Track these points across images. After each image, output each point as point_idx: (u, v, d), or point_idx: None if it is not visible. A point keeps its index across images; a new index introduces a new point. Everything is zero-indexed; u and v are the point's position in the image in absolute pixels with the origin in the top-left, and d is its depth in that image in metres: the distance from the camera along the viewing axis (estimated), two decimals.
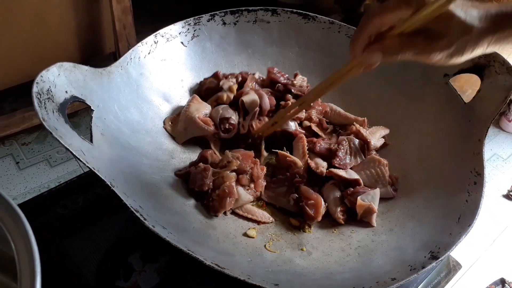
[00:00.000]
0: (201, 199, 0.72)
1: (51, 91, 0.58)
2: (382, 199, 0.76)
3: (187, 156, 0.79)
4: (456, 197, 0.68)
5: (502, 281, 1.54)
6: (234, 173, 0.72)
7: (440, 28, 0.51)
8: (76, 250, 0.70)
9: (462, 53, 0.51)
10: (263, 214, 0.73)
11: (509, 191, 1.84)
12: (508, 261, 1.59)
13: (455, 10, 0.50)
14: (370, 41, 0.56)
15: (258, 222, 0.72)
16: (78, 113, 1.77)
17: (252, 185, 0.74)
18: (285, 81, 0.88)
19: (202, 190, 0.71)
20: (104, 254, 0.71)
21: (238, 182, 0.73)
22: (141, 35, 1.78)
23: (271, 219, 0.73)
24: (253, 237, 0.69)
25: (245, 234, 0.69)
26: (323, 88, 0.70)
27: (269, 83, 0.89)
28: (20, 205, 0.75)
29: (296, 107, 0.78)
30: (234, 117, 0.81)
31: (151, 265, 0.70)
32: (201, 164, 0.73)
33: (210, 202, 0.70)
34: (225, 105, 0.83)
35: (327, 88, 0.69)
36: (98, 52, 1.81)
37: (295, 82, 0.89)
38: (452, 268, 0.81)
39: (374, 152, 0.82)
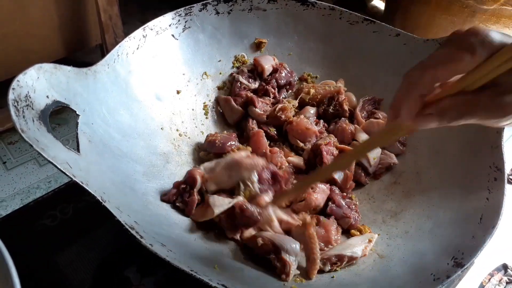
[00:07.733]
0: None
1: (30, 97, 0.52)
2: (395, 196, 0.72)
3: (183, 159, 0.74)
4: (476, 195, 0.63)
5: (505, 267, 1.51)
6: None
7: None
8: (68, 265, 0.65)
9: None
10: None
11: (508, 175, 1.80)
12: (510, 247, 1.56)
13: None
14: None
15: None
16: (66, 109, 1.70)
17: None
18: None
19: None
20: (98, 268, 0.66)
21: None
22: (128, 25, 1.72)
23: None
24: None
25: None
26: (352, 155, 0.60)
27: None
28: (3, 219, 0.71)
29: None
30: None
31: (149, 279, 0.65)
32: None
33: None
34: None
35: (355, 156, 0.60)
36: (84, 44, 1.74)
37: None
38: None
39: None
